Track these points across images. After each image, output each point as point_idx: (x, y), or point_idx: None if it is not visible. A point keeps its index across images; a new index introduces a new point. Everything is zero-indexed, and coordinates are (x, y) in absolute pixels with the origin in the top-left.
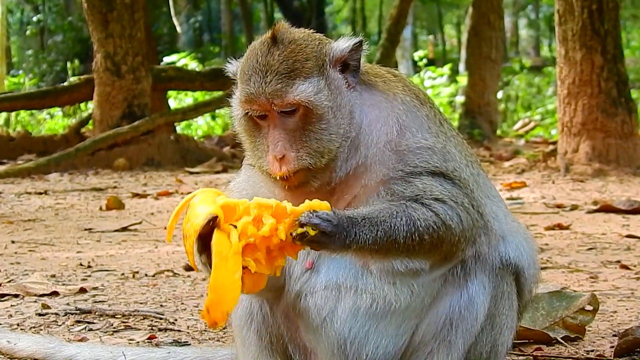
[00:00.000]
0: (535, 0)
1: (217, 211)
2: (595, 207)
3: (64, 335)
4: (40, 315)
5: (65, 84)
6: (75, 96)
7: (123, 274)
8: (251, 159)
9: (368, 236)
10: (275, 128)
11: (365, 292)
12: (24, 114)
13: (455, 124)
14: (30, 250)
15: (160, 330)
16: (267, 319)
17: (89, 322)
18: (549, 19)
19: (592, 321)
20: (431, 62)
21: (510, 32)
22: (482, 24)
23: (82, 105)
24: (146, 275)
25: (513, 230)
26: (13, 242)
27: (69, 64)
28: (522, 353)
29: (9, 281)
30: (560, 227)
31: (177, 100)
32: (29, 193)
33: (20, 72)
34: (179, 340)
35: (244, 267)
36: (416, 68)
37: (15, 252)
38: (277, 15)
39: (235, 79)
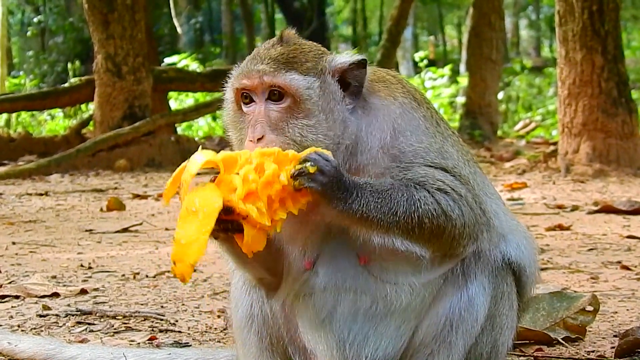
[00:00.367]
0: (536, 1)
1: (214, 160)
2: (595, 208)
3: (64, 337)
4: (41, 316)
5: (66, 85)
6: (76, 97)
7: (124, 275)
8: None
9: (369, 199)
10: (259, 112)
11: (365, 293)
12: (24, 115)
13: (456, 124)
14: (31, 252)
15: (161, 331)
16: (268, 321)
17: (89, 323)
18: (549, 20)
19: (593, 322)
20: (432, 63)
21: (511, 32)
22: (483, 25)
23: (83, 106)
24: (147, 276)
25: (513, 229)
26: (14, 243)
27: (69, 65)
28: (522, 354)
29: (10, 282)
30: (560, 227)
31: (178, 101)
32: (30, 194)
33: (21, 73)
34: (180, 341)
35: (244, 218)
36: (417, 69)
37: (16, 253)
38: (278, 16)
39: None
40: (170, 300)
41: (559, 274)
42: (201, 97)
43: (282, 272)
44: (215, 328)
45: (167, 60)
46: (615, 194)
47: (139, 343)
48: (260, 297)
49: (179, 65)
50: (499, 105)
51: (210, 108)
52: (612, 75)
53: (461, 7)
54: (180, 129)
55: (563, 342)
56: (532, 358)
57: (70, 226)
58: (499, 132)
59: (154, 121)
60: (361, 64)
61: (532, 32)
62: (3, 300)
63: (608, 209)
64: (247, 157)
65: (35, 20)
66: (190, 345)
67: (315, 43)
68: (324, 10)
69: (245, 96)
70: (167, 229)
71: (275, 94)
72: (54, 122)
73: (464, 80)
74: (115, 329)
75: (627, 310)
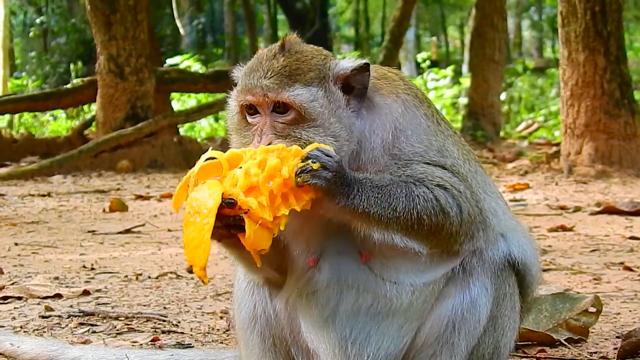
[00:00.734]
0: (539, 2)
1: (219, 156)
2: (598, 209)
3: (67, 338)
4: (43, 317)
5: (69, 86)
6: (78, 98)
7: (126, 276)
8: None
9: (369, 195)
10: (264, 124)
11: (366, 291)
12: (27, 115)
13: (459, 125)
14: (33, 253)
15: (163, 332)
16: (271, 321)
17: (92, 325)
18: (552, 21)
19: (596, 323)
20: (434, 64)
21: (514, 33)
22: (485, 26)
23: (86, 107)
24: (149, 277)
25: (512, 228)
26: (16, 244)
27: (72, 66)
28: (525, 355)
29: (12, 283)
30: (563, 228)
31: (180, 102)
32: (32, 195)
33: (24, 74)
34: (182, 343)
35: (246, 212)
36: (419, 70)
37: (19, 255)
38: (281, 17)
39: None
40: (172, 302)
41: (562, 275)
42: (203, 98)
43: (288, 262)
44: (218, 329)
45: (170, 61)
46: (617, 195)
47: (141, 344)
48: (264, 297)
49: (182, 66)
50: (502, 106)
51: (212, 109)
52: (615, 76)
53: (463, 8)
54: (183, 130)
55: (566, 343)
56: (535, 359)
57: (73, 227)
58: (502, 133)
59: (157, 122)
60: (364, 69)
61: (534, 32)
62: (6, 302)
63: (610, 210)
64: (252, 154)
65: (37, 21)
66: (193, 347)
67: (317, 47)
68: (326, 11)
69: (249, 107)
70: (169, 230)
71: (280, 107)
72: (56, 123)
73: (466, 81)
74: (117, 330)
75: (630, 311)
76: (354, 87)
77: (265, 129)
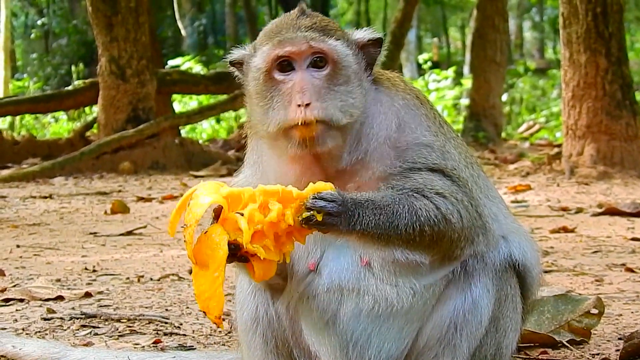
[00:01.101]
0: (540, 3)
1: (219, 200)
2: (600, 210)
3: (69, 340)
4: (45, 319)
5: (70, 87)
6: (80, 100)
7: (128, 278)
8: (264, 125)
9: (371, 218)
10: (303, 79)
11: (368, 294)
12: (28, 117)
13: (460, 126)
14: (35, 255)
15: (165, 334)
16: (273, 323)
17: (94, 327)
18: (553, 22)
19: (598, 324)
20: (436, 65)
21: (515, 34)
22: (487, 27)
23: (87, 109)
24: (151, 279)
25: (514, 231)
26: (18, 246)
27: (73, 68)
28: (527, 356)
29: (14, 286)
30: (565, 230)
31: (182, 103)
32: (34, 197)
33: (25, 75)
34: (184, 345)
35: (253, 255)
36: (421, 71)
37: (20, 257)
38: None
39: (249, 54)
40: (174, 303)
41: (564, 276)
42: (205, 99)
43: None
44: (220, 331)
45: (171, 62)
46: (619, 196)
47: (143, 346)
48: (266, 299)
49: (183, 68)
50: (503, 107)
51: (214, 111)
52: (616, 77)
53: (465, 9)
54: (184, 131)
55: (568, 344)
56: None
57: (75, 229)
58: (503, 134)
59: (158, 124)
60: (378, 42)
61: (535, 33)
62: (7, 304)
63: (612, 211)
64: (251, 195)
65: (39, 22)
66: (195, 349)
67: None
68: (327, 12)
69: (283, 64)
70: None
71: (318, 61)
72: (57, 125)
73: (467, 82)
74: (119, 332)
75: (632, 312)
76: (366, 58)
77: (304, 85)
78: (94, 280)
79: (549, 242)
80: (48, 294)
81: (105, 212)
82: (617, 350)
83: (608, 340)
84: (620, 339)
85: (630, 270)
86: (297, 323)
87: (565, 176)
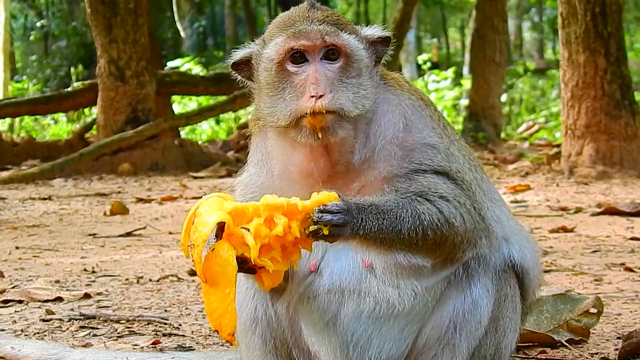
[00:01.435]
0: (539, 3)
1: (224, 217)
2: (599, 210)
3: (68, 341)
4: (44, 321)
5: (69, 89)
6: (79, 101)
7: (127, 279)
8: (274, 116)
9: (374, 223)
10: (316, 71)
11: (369, 295)
12: (28, 119)
13: (460, 127)
14: (34, 256)
15: (164, 335)
16: (272, 324)
17: (93, 328)
18: (552, 22)
19: (597, 324)
20: (435, 66)
21: (514, 35)
22: (486, 27)
23: (86, 110)
24: (150, 280)
25: (515, 232)
26: (17, 247)
27: (72, 69)
28: (526, 356)
29: (13, 287)
30: (564, 229)
31: (181, 104)
32: (33, 199)
33: (24, 77)
34: (183, 345)
35: (261, 267)
36: (420, 71)
37: (20, 258)
38: None
39: (258, 48)
40: (173, 304)
41: (563, 276)
42: (204, 100)
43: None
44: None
45: (170, 64)
46: (618, 195)
47: (142, 347)
48: (265, 300)
49: (182, 69)
50: (502, 108)
51: (213, 112)
52: (615, 77)
53: (464, 9)
54: (184, 132)
55: (567, 344)
56: None
57: (74, 230)
58: (503, 135)
59: (158, 125)
60: (387, 41)
61: (535, 34)
62: (6, 305)
63: (611, 211)
64: (255, 209)
65: (38, 24)
66: (194, 349)
67: None
68: None
69: (296, 56)
70: (170, 233)
71: (331, 54)
72: (57, 127)
73: (467, 83)
74: (118, 333)
75: (631, 312)
76: (374, 55)
77: (319, 77)
78: (93, 281)
79: (548, 241)
80: (47, 295)
81: (105, 214)
82: (616, 349)
83: (607, 340)
84: (619, 338)
85: (630, 269)
86: (297, 323)
87: (564, 176)
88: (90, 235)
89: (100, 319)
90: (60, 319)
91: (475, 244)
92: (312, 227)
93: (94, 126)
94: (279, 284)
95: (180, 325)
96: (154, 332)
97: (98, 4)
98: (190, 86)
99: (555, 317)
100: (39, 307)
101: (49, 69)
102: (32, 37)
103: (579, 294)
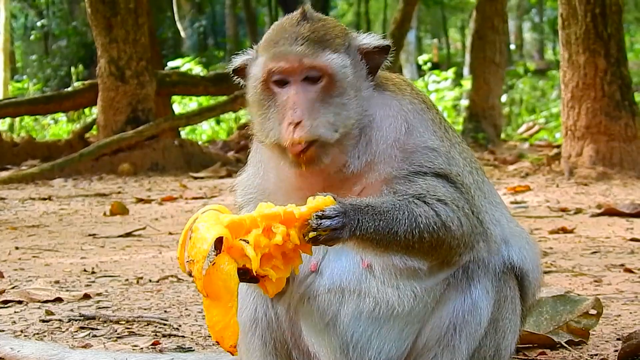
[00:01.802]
0: (539, 4)
1: (223, 232)
2: (599, 211)
3: (67, 342)
4: (44, 321)
5: (70, 89)
6: (79, 101)
7: (127, 280)
8: (262, 134)
9: (370, 224)
10: (296, 94)
11: (369, 296)
12: (28, 119)
13: (460, 127)
14: (34, 256)
15: (164, 336)
16: (272, 325)
17: (92, 329)
18: (553, 23)
19: (596, 325)
20: (435, 66)
21: (514, 35)
22: (486, 28)
23: (87, 110)
24: (150, 281)
25: (516, 235)
26: (17, 248)
27: (73, 69)
28: (526, 357)
29: (13, 287)
30: (564, 230)
31: (182, 105)
32: (33, 199)
33: (24, 77)
34: (183, 346)
35: (263, 276)
36: (420, 72)
37: (19, 258)
38: None
39: (252, 59)
40: (173, 305)
41: (562, 277)
42: (205, 100)
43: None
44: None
45: (171, 64)
46: (618, 196)
47: (142, 348)
48: (265, 301)
49: (183, 69)
50: (503, 108)
51: (213, 112)
52: (615, 78)
53: (464, 10)
54: (184, 133)
55: (566, 345)
56: None
57: (74, 231)
58: (503, 135)
59: (158, 125)
60: (385, 50)
61: (535, 34)
62: (6, 306)
63: (611, 212)
64: (252, 220)
65: (38, 24)
66: (194, 350)
67: (333, 18)
68: (327, 13)
69: (278, 77)
70: (170, 233)
71: (313, 75)
72: (57, 127)
73: (467, 83)
74: (118, 334)
75: (631, 313)
76: (369, 62)
77: (296, 102)
78: (93, 282)
79: (548, 242)
80: (47, 296)
81: (105, 214)
82: (616, 350)
83: (606, 341)
84: (618, 339)
85: (629, 270)
86: (297, 324)
87: (564, 177)
88: (90, 235)
89: (100, 319)
90: (59, 320)
91: (472, 247)
92: (312, 234)
93: (94, 126)
94: (283, 286)
95: (180, 326)
96: (154, 333)
97: (98, 3)
98: (190, 86)
99: (555, 318)
100: (39, 308)
101: (49, 68)
102: (32, 37)
103: (578, 295)
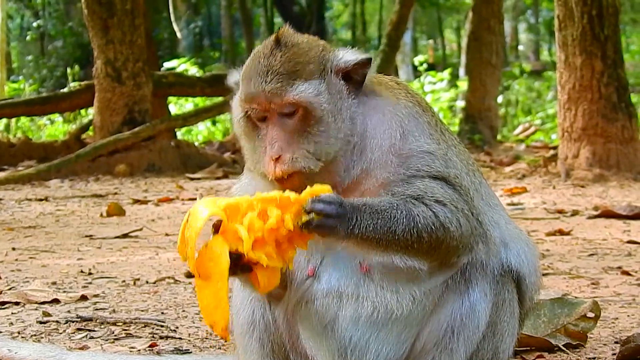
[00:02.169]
0: (535, 5)
1: (217, 212)
2: (596, 213)
3: (64, 343)
4: (41, 323)
5: (66, 90)
6: (75, 102)
7: (124, 281)
8: (249, 162)
9: (369, 222)
10: (273, 129)
11: (367, 300)
12: (24, 120)
13: (456, 129)
14: (30, 258)
15: (161, 337)
16: (270, 327)
17: (90, 330)
18: (548, 24)
19: (594, 328)
20: (431, 67)
21: (510, 36)
22: (482, 29)
23: (83, 111)
24: (147, 282)
25: (514, 237)
26: (13, 249)
27: (69, 70)
28: None
29: (10, 289)
30: (561, 232)
31: (178, 106)
32: (30, 199)
33: (21, 77)
34: (180, 348)
35: (256, 264)
36: (416, 73)
37: (16, 259)
38: (277, 20)
39: (235, 88)
40: (170, 307)
41: (560, 279)
42: (201, 101)
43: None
44: (216, 335)
45: (167, 64)
46: (615, 198)
47: (139, 350)
48: (262, 303)
49: (179, 70)
50: (499, 109)
51: (210, 113)
52: (612, 80)
53: (460, 11)
54: (180, 133)
55: (564, 348)
56: None
57: (70, 232)
58: (499, 137)
59: (154, 126)
60: (365, 64)
61: (531, 35)
62: (3, 307)
63: (608, 214)
64: (249, 203)
65: (34, 24)
66: (191, 352)
67: (313, 37)
68: (323, 14)
69: (255, 115)
70: (167, 235)
71: (287, 109)
72: (53, 127)
73: (463, 84)
74: (115, 335)
75: (628, 316)
76: (353, 77)
77: (274, 137)
78: (90, 283)
79: (544, 244)
80: (44, 297)
81: (101, 215)
82: (614, 354)
83: (604, 344)
84: (616, 342)
85: (627, 273)
86: (295, 327)
87: (561, 178)
88: (86, 236)
89: (97, 321)
90: (57, 321)
91: (471, 249)
92: (305, 218)
93: (91, 127)
94: (276, 291)
95: (177, 327)
96: (151, 335)
97: (95, 4)
98: (186, 87)
99: (553, 321)
100: (36, 309)
101: (45, 69)
102: (28, 38)
103: (576, 297)
